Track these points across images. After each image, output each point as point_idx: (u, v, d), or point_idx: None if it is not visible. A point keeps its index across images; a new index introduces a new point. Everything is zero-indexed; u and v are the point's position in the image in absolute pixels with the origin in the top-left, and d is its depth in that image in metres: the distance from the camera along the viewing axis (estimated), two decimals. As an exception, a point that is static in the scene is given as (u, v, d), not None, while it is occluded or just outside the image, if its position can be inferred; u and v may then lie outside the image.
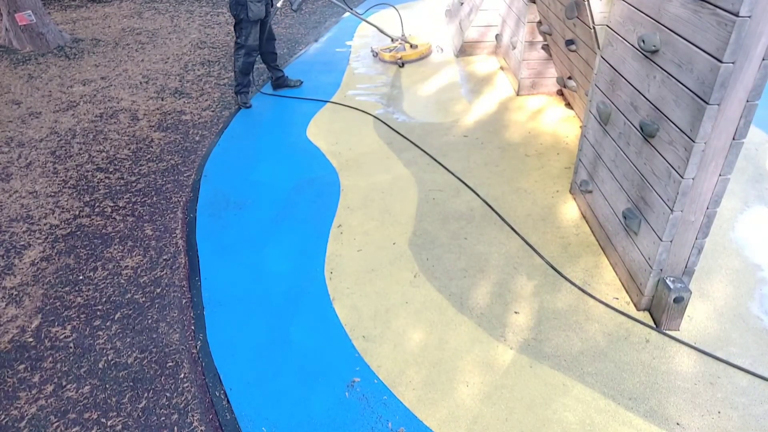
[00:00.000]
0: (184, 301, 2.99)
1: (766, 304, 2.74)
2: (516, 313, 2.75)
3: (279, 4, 5.19)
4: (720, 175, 2.27)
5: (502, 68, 5.61)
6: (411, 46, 6.02)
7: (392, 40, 6.14)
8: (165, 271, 3.20)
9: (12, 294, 3.08)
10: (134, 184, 4.05)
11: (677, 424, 2.21)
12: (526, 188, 3.72)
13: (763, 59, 1.99)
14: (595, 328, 2.65)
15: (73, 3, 8.80)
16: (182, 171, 4.20)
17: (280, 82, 5.44)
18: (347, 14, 7.96)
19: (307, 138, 4.53)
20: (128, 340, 2.76)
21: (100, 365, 2.63)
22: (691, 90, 2.18)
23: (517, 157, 4.09)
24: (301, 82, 5.52)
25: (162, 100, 5.38)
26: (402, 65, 5.91)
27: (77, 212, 3.76)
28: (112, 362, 2.65)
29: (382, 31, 6.06)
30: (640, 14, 2.54)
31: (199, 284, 3.08)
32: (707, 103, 2.08)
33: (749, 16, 1.89)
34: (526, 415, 2.27)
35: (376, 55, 6.15)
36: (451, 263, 3.10)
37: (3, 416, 2.41)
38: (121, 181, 4.09)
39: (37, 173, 4.22)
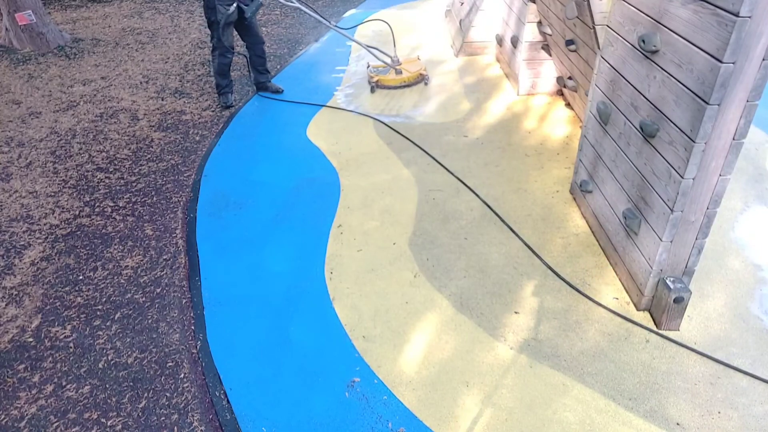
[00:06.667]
0: (184, 301, 2.99)
1: (766, 304, 2.74)
2: (516, 313, 2.75)
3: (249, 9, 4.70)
4: (720, 175, 2.27)
5: (502, 68, 5.61)
6: (396, 72, 5.31)
7: (392, 59, 5.42)
8: (165, 271, 3.20)
9: (12, 294, 3.08)
10: (134, 184, 4.05)
11: (677, 424, 2.21)
12: (526, 188, 3.72)
13: (763, 59, 1.99)
14: (595, 328, 2.65)
15: (74, 3, 8.80)
16: (182, 171, 4.20)
17: (261, 87, 5.39)
18: (348, 14, 7.97)
19: (307, 138, 4.53)
20: (128, 340, 2.76)
21: (100, 365, 2.63)
22: (691, 90, 2.18)
23: (517, 157, 4.09)
24: (282, 90, 5.38)
25: (162, 100, 5.38)
26: (373, 90, 5.27)
27: (77, 212, 3.76)
28: (112, 362, 2.65)
29: (371, 52, 5.34)
30: (640, 14, 2.54)
31: (199, 284, 3.08)
32: (707, 103, 2.08)
33: (749, 17, 1.89)
34: (526, 415, 2.27)
35: (368, 67, 5.61)
36: (451, 263, 3.10)
37: (3, 416, 2.41)
38: (121, 181, 4.09)
39: (37, 173, 4.22)
